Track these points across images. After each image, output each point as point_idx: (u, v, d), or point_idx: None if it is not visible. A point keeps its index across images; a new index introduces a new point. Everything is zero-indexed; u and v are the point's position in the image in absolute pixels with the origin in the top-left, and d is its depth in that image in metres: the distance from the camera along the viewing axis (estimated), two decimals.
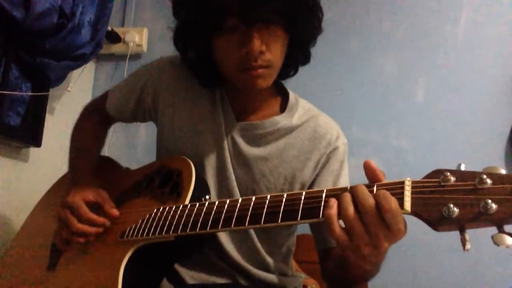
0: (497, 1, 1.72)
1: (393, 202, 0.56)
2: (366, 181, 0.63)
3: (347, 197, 0.60)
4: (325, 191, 0.65)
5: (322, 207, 0.63)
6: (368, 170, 0.63)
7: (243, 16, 0.81)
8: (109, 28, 1.84)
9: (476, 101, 1.68)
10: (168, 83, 1.02)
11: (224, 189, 0.96)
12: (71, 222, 0.88)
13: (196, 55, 0.94)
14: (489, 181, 0.52)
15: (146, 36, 1.98)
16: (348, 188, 0.62)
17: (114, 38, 1.93)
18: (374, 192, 0.59)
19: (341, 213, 0.59)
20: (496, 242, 0.50)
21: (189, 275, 0.95)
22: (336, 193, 0.63)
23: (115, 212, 0.89)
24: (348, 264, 0.80)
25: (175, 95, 1.01)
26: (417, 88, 1.74)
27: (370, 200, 0.57)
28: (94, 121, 1.16)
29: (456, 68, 1.72)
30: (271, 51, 0.84)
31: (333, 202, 0.61)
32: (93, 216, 0.88)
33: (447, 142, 1.67)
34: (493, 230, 0.51)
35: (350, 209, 0.59)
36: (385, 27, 1.81)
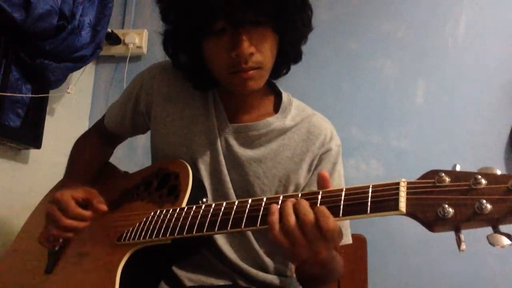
0: (497, 1, 1.71)
1: (331, 221, 0.62)
2: (364, 182, 0.64)
3: (289, 207, 0.65)
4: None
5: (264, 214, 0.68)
6: (322, 180, 0.69)
7: (231, 18, 0.81)
8: (109, 30, 1.84)
9: (476, 102, 1.67)
10: (160, 87, 1.02)
11: (219, 192, 0.96)
12: (59, 217, 0.88)
13: (187, 59, 0.94)
14: (484, 181, 0.52)
15: (146, 37, 1.97)
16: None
17: (114, 39, 1.93)
18: (318, 204, 0.64)
19: (282, 221, 0.64)
20: (491, 242, 0.50)
21: (187, 278, 0.95)
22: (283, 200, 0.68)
23: (103, 207, 0.89)
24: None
25: (168, 99, 1.01)
26: (417, 89, 1.74)
27: (310, 216, 0.63)
28: (94, 138, 1.16)
29: (456, 68, 1.71)
30: (261, 52, 0.84)
31: (275, 208, 0.66)
32: (80, 210, 0.88)
33: (447, 142, 1.66)
34: (488, 230, 0.51)
35: (291, 219, 0.64)
36: (385, 27, 1.80)
